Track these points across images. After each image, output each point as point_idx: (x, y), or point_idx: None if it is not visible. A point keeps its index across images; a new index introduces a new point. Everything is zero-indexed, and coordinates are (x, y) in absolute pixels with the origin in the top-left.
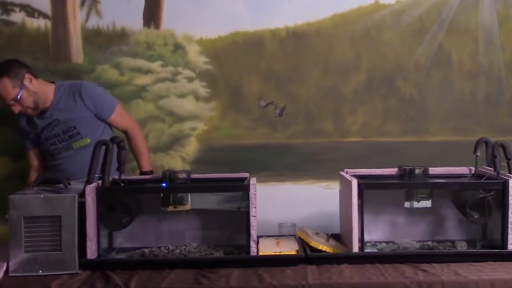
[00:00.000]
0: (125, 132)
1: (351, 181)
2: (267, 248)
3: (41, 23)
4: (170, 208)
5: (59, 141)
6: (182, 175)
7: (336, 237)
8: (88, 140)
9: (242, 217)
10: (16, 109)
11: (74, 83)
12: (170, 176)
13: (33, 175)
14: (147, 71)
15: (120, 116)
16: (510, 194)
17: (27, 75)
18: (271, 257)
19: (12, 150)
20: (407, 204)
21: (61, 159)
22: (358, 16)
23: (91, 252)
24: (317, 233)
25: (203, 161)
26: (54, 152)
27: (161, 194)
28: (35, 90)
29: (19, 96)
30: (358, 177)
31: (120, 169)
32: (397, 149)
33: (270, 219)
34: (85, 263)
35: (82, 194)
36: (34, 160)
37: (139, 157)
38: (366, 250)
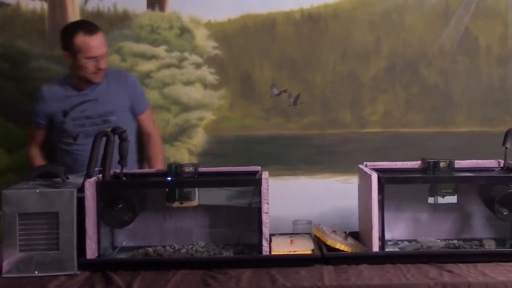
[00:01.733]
0: (147, 135)
1: (370, 175)
2: (280, 247)
3: (37, 5)
4: (176, 204)
5: (90, 124)
6: (189, 169)
7: (355, 235)
8: None
9: (253, 214)
10: (103, 64)
11: (117, 69)
12: (176, 169)
13: (35, 150)
14: (151, 57)
15: (148, 118)
16: None
17: None
18: (285, 256)
19: (6, 142)
20: (431, 200)
21: (86, 145)
22: None
23: (91, 252)
24: (334, 231)
25: (212, 154)
26: (79, 135)
27: (166, 189)
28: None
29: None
30: (378, 170)
31: (122, 162)
32: (420, 141)
33: (284, 215)
34: (84, 263)
35: (81, 189)
36: (40, 137)
37: (154, 164)
38: (386, 250)
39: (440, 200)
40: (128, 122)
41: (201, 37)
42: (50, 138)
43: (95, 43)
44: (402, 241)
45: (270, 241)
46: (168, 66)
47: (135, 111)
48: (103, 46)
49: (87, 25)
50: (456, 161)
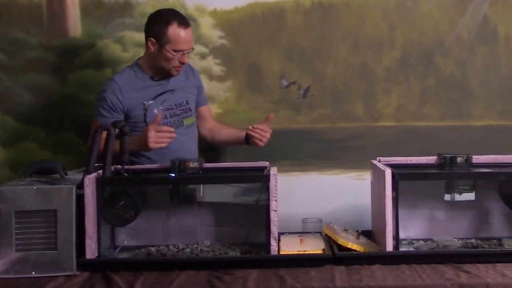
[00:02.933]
0: (212, 123)
1: (384, 171)
2: (290, 246)
3: None
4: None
5: (171, 115)
6: (193, 164)
7: (367, 234)
8: (194, 119)
9: (261, 212)
10: (187, 59)
11: None
12: (179, 165)
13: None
14: None
15: (209, 111)
16: None
17: None
18: (294, 256)
19: (1, 136)
20: (447, 197)
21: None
22: None
23: (91, 251)
24: (345, 230)
25: (217, 149)
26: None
27: (170, 186)
28: None
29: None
30: (392, 166)
31: (123, 157)
32: (436, 135)
33: (293, 213)
34: (83, 264)
35: (80, 185)
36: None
37: (229, 141)
38: (401, 249)
39: (457, 197)
40: (195, 112)
41: (207, 26)
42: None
43: (186, 37)
44: (417, 240)
45: (279, 240)
46: None
47: (200, 101)
48: (192, 41)
49: (180, 17)
50: (473, 156)
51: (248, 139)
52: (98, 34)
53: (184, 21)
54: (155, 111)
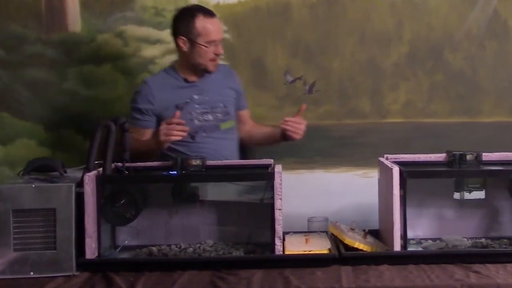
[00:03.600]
0: (251, 124)
1: (391, 169)
2: (295, 246)
3: None
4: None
5: (207, 119)
6: (196, 162)
7: (375, 233)
8: (233, 123)
9: (265, 210)
10: (221, 49)
11: (220, 63)
12: (182, 163)
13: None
14: (155, 41)
15: (249, 115)
16: None
17: None
18: (299, 256)
19: None
20: (456, 196)
21: (204, 143)
22: None
23: (91, 251)
24: (352, 229)
25: None
26: (197, 133)
27: (172, 184)
28: None
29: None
30: (400, 163)
31: (124, 154)
32: (444, 132)
33: (298, 212)
34: (83, 264)
35: (80, 183)
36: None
37: (265, 140)
38: (409, 249)
39: (467, 195)
40: (234, 115)
41: None
42: None
43: (215, 27)
44: (426, 239)
45: (284, 239)
46: (173, 51)
47: (239, 106)
48: (221, 30)
49: (204, 8)
50: (483, 154)
51: (284, 136)
52: (98, 29)
53: (208, 11)
54: (189, 114)
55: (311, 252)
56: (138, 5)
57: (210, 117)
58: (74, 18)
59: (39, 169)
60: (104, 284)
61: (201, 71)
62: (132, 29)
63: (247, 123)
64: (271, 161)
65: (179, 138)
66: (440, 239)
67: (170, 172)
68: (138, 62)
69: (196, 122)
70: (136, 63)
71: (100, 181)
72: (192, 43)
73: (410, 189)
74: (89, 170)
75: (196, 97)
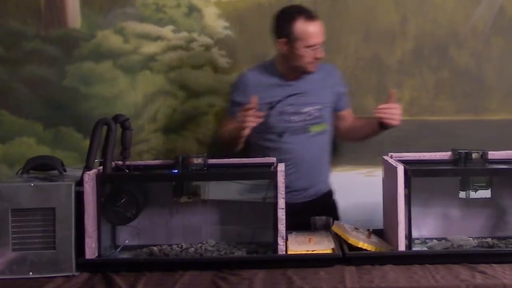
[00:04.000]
0: (348, 130)
1: (396, 167)
2: (298, 246)
3: None
4: (184, 199)
5: (296, 120)
6: (198, 160)
7: (379, 233)
8: (326, 127)
9: (268, 210)
10: (321, 53)
11: (323, 62)
12: (183, 161)
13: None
14: (156, 38)
15: (350, 114)
16: None
17: None
18: (302, 256)
19: None
20: (462, 194)
21: (291, 143)
22: None
23: (90, 251)
24: (356, 228)
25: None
26: (285, 133)
27: (173, 183)
28: None
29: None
30: (405, 162)
31: (124, 153)
32: (450, 130)
33: None
34: (83, 264)
35: (80, 182)
36: None
37: (366, 133)
38: (414, 249)
39: (472, 194)
40: (330, 118)
41: (211, 17)
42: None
43: (315, 31)
44: (431, 239)
45: (286, 239)
46: (174, 48)
47: (340, 106)
48: (322, 33)
49: (306, 11)
50: (489, 152)
51: (381, 124)
52: (98, 25)
53: (310, 14)
54: (279, 113)
55: (315, 252)
56: (138, 1)
57: (300, 118)
58: (74, 14)
59: (38, 167)
60: (104, 284)
61: (300, 72)
62: (132, 25)
63: (347, 121)
64: (273, 159)
65: (252, 125)
66: (445, 238)
67: (171, 170)
68: (139, 59)
69: (285, 121)
70: (136, 60)
71: (100, 180)
72: (291, 46)
73: (415, 188)
74: (89, 169)
75: (290, 97)
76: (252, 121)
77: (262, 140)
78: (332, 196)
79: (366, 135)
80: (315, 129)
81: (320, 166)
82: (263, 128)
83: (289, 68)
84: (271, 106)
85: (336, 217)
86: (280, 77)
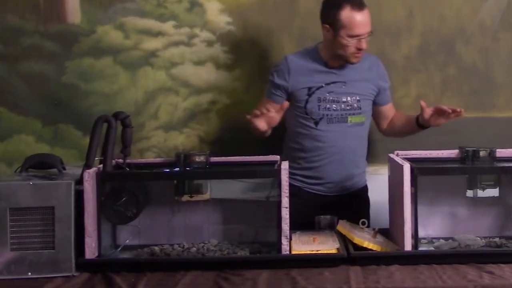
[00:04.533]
0: (390, 126)
1: (402, 165)
2: (302, 245)
3: None
4: (185, 198)
5: (335, 108)
6: (200, 158)
7: (385, 232)
8: (364, 118)
9: (271, 209)
10: (365, 44)
11: (368, 53)
12: (185, 159)
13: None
14: (157, 33)
15: (392, 109)
16: None
17: None
18: (307, 256)
19: None
20: (469, 193)
21: (327, 132)
22: None
23: (90, 251)
24: (361, 228)
25: (225, 142)
26: (323, 119)
27: (175, 181)
28: None
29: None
30: (411, 160)
31: (124, 151)
32: (457, 127)
33: None
34: (83, 264)
35: (79, 181)
36: (274, 112)
37: (406, 129)
38: (420, 248)
39: (480, 193)
40: (369, 112)
41: (213, 12)
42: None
43: (361, 20)
44: (438, 239)
45: (290, 239)
46: (176, 43)
47: (382, 101)
48: (369, 24)
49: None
50: (497, 150)
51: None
52: (98, 20)
53: (358, 3)
54: (318, 100)
55: (319, 252)
56: None
57: (338, 107)
58: (73, 9)
59: (37, 166)
60: (104, 285)
61: (343, 60)
62: (133, 20)
63: (390, 115)
64: (277, 157)
65: (261, 128)
66: (452, 238)
67: (173, 169)
68: (140, 55)
69: (323, 109)
70: (137, 56)
71: (101, 178)
72: (335, 34)
73: (422, 186)
74: (89, 167)
75: (331, 84)
76: (260, 125)
77: (298, 126)
78: (367, 192)
79: (406, 133)
80: (353, 119)
81: (356, 158)
82: (300, 114)
83: (332, 55)
84: (311, 92)
85: (367, 215)
86: (322, 64)
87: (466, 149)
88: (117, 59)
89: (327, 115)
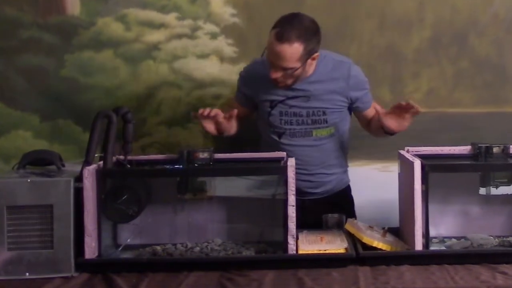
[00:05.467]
0: (374, 114)
1: (413, 162)
2: (309, 245)
3: None
4: (189, 196)
5: (298, 122)
6: (203, 155)
7: (395, 231)
8: (333, 130)
9: (277, 207)
10: (281, 82)
11: (341, 59)
12: (188, 156)
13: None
14: (159, 26)
15: (373, 110)
16: None
17: (316, 54)
18: (314, 256)
19: None
20: (482, 191)
21: (290, 146)
22: None
23: (90, 251)
24: (371, 227)
25: (229, 138)
26: (285, 133)
27: (177, 179)
28: (308, 67)
29: (295, 72)
30: (422, 157)
31: (126, 147)
32: (470, 122)
33: None
34: (82, 264)
35: (79, 178)
36: (240, 110)
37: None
38: (431, 248)
39: (493, 191)
40: (342, 121)
41: (218, 3)
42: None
43: (278, 52)
44: (449, 238)
45: (297, 238)
46: (179, 36)
47: (360, 109)
48: (287, 60)
49: (283, 27)
50: (511, 146)
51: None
52: (98, 12)
53: (280, 34)
54: (280, 114)
55: (327, 252)
56: None
57: (303, 121)
58: (73, 1)
59: (35, 162)
60: (104, 285)
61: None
62: (134, 12)
63: (370, 115)
64: (283, 154)
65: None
66: (464, 237)
67: (176, 165)
68: (141, 48)
69: (285, 123)
70: (138, 49)
71: (101, 176)
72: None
73: (433, 184)
74: (88, 164)
75: (294, 98)
76: (207, 126)
77: (265, 135)
78: (348, 192)
79: (381, 137)
80: (318, 133)
81: (325, 168)
82: (264, 125)
83: None
84: (273, 105)
85: (350, 214)
86: None
87: (479, 145)
88: (118, 52)
89: (289, 129)
